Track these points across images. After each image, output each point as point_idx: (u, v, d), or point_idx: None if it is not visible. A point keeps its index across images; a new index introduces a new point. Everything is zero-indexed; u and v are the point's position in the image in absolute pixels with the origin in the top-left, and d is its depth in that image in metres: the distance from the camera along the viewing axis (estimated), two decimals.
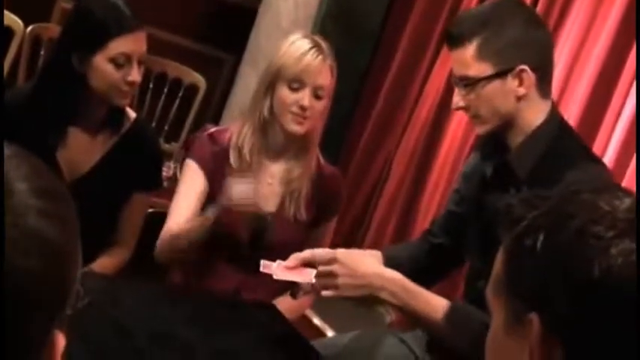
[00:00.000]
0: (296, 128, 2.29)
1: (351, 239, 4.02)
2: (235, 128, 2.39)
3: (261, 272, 2.39)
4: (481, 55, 1.91)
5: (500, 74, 1.91)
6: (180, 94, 4.18)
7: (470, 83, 1.93)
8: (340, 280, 1.86)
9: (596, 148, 2.94)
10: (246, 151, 2.34)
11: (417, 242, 2.27)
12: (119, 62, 2.21)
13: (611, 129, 3.03)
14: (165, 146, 3.89)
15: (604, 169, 1.98)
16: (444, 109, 3.85)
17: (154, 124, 3.97)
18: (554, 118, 1.98)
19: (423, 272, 2.21)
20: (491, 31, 1.92)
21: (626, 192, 0.97)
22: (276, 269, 1.94)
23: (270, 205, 2.40)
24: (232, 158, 2.35)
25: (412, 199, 3.85)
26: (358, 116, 4.31)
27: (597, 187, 0.98)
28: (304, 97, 2.28)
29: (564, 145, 1.95)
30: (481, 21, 1.94)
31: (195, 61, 4.31)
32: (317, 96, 2.31)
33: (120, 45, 2.20)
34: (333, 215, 2.48)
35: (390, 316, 3.20)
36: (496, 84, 1.91)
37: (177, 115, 4.18)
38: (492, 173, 2.01)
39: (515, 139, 1.97)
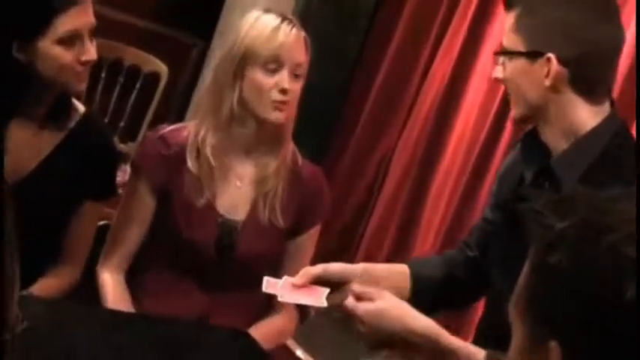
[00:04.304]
0: (278, 116, 2.33)
1: (340, 252, 4.03)
2: (192, 127, 2.42)
3: (232, 293, 2.44)
4: (517, 26, 1.98)
5: (530, 55, 1.97)
6: (137, 85, 4.20)
7: (504, 54, 2.02)
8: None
9: None
10: (208, 153, 2.37)
11: (452, 255, 2.28)
12: (69, 42, 2.23)
13: None
14: (121, 146, 3.89)
15: None
16: (450, 100, 3.88)
17: (106, 120, 3.99)
18: (609, 125, 2.00)
19: (461, 291, 2.25)
20: (532, 4, 1.98)
21: None
22: (282, 289, 1.95)
23: (239, 212, 2.42)
24: (189, 161, 2.39)
25: (413, 204, 3.87)
26: (349, 109, 4.33)
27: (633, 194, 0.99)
28: (283, 78, 2.32)
29: (615, 158, 1.98)
30: None
31: (156, 46, 4.33)
32: (296, 75, 2.35)
33: (67, 22, 2.22)
34: (315, 222, 2.51)
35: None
36: (524, 64, 1.98)
37: (135, 109, 4.20)
38: (532, 179, 2.05)
39: (558, 142, 2.00)
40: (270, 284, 1.97)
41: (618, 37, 2.02)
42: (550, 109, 1.99)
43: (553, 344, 0.95)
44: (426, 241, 3.77)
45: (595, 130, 1.99)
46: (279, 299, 1.98)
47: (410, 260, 2.30)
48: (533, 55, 1.97)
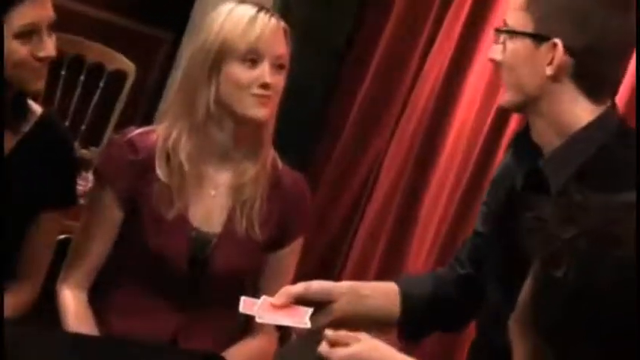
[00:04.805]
0: (260, 112, 2.33)
1: (325, 267, 4.02)
2: (162, 130, 2.41)
3: (206, 312, 2.42)
4: (528, 4, 1.98)
5: (536, 37, 1.97)
6: (101, 84, 4.18)
7: (507, 32, 2.01)
8: None
9: None
10: (182, 159, 2.36)
11: (442, 273, 2.29)
12: (25, 36, 2.22)
13: None
14: (82, 152, 3.89)
15: None
16: (448, 96, 3.87)
17: (66, 123, 3.97)
18: (606, 122, 1.99)
19: (453, 311, 2.25)
20: None
21: None
22: (260, 309, 1.94)
23: (214, 224, 2.41)
24: (159, 168, 2.38)
25: (406, 214, 3.87)
26: (335, 108, 4.33)
27: None
28: (264, 72, 2.33)
29: (611, 160, 1.97)
30: None
31: (121, 41, 4.32)
32: (278, 67, 2.36)
33: (23, 15, 2.20)
34: (297, 234, 2.50)
35: None
36: (527, 47, 1.98)
37: (98, 111, 4.18)
38: (523, 183, 2.05)
39: (550, 140, 2.00)
40: (246, 304, 1.96)
41: (631, 33, 2.00)
42: (545, 100, 1.99)
43: None
44: (421, 251, 3.75)
45: (589, 126, 1.98)
46: (258, 320, 1.97)
47: (399, 278, 2.29)
48: (539, 37, 1.96)
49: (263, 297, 1.98)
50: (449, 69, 3.88)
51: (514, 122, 3.52)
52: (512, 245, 1.94)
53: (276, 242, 2.47)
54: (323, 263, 4.06)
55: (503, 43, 2.01)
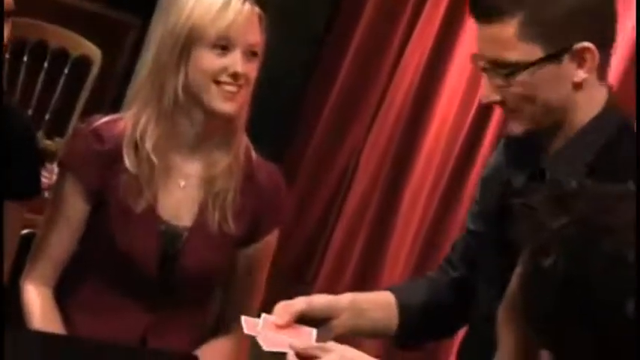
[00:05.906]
0: (227, 107, 2.33)
1: (299, 267, 4.02)
2: (130, 118, 2.41)
3: (176, 310, 2.43)
4: (527, 33, 1.92)
5: (555, 56, 1.92)
6: (66, 71, 4.17)
7: (511, 72, 1.94)
8: None
9: None
10: (148, 147, 2.36)
11: (435, 277, 2.29)
12: None
13: None
14: (47, 142, 3.87)
15: None
16: (429, 85, 3.88)
17: (29, 112, 3.97)
18: (612, 112, 1.99)
19: (449, 317, 2.27)
20: (541, 2, 1.92)
21: None
22: (264, 330, 1.90)
23: (184, 217, 2.42)
24: (127, 158, 2.38)
25: (386, 209, 3.88)
26: (311, 98, 4.33)
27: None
28: (235, 60, 2.32)
29: (618, 154, 1.96)
30: None
31: (87, 26, 4.31)
32: (251, 56, 2.35)
33: None
34: (271, 228, 2.51)
35: None
36: (548, 69, 1.93)
37: (63, 99, 4.17)
38: (525, 184, 2.04)
39: (557, 140, 2.00)
40: (249, 325, 1.92)
41: (615, 4, 2.00)
42: (573, 108, 1.97)
43: (545, 356, 0.97)
44: (401, 249, 3.75)
45: (595, 120, 1.98)
46: (265, 349, 1.90)
47: (394, 287, 2.30)
48: (559, 54, 1.92)
49: (263, 316, 1.93)
50: (430, 56, 3.89)
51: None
52: (504, 245, 1.98)
53: (250, 236, 2.48)
54: (299, 259, 4.06)
55: (507, 83, 1.94)
